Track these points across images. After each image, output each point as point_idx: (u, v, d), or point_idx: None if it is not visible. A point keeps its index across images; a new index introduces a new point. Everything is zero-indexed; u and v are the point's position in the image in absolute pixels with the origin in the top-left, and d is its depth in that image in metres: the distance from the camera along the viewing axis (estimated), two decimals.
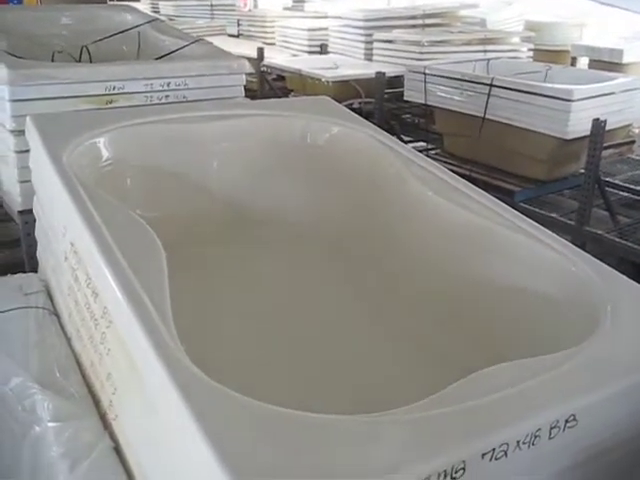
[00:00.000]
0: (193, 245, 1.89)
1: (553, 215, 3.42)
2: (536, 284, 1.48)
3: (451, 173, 1.80)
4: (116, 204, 1.45)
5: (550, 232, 1.52)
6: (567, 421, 1.00)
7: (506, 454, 0.94)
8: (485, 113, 3.63)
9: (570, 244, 1.49)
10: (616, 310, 1.24)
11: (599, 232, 3.18)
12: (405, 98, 4.34)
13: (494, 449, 0.93)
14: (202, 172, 2.02)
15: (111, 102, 2.48)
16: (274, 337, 1.73)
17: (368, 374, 1.60)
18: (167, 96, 2.60)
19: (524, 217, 1.60)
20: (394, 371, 1.62)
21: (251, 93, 3.98)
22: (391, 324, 1.78)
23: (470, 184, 1.74)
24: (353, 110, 2.30)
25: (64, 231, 1.51)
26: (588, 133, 3.22)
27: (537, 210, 3.43)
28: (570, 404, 1.01)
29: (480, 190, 1.71)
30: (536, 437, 0.97)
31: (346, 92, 4.56)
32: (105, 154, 1.80)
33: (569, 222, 3.33)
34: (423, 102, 4.10)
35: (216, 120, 2.01)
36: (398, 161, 1.92)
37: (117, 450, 1.21)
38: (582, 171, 3.43)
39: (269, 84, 5.35)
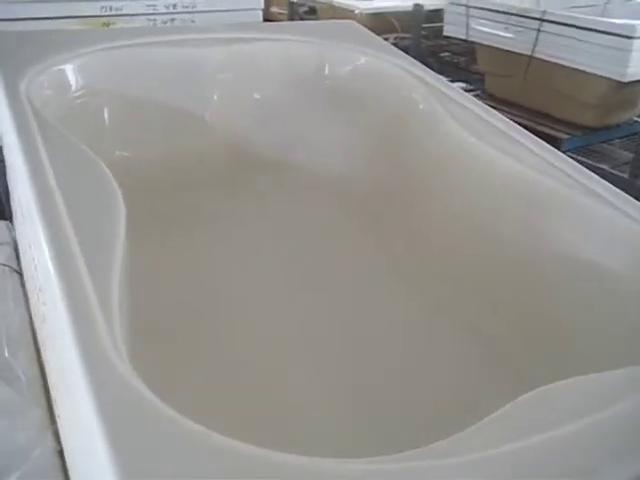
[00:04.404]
0: (185, 192, 1.61)
1: (603, 166, 3.14)
2: (603, 260, 1.16)
3: (499, 115, 1.46)
4: (77, 146, 1.14)
5: (625, 194, 1.19)
6: None
7: None
8: (533, 51, 3.30)
9: None
10: None
11: None
12: (445, 34, 4.02)
13: None
14: (199, 106, 1.69)
15: (108, 26, 2.20)
16: (280, 311, 1.44)
17: (393, 355, 1.33)
18: (173, 20, 2.33)
19: (596, 177, 1.28)
20: (424, 347, 1.37)
21: None
22: (421, 293, 1.49)
23: (524, 130, 1.40)
24: None
25: (17, 176, 1.22)
26: None
27: (585, 160, 3.14)
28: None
29: (535, 137, 1.37)
30: None
31: (381, 26, 4.23)
32: (76, 83, 1.48)
33: (621, 175, 3.04)
34: (464, 38, 3.79)
35: (218, 45, 1.67)
36: (434, 98, 1.59)
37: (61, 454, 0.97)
38: (637, 119, 3.12)
39: (300, 17, 5.02)
